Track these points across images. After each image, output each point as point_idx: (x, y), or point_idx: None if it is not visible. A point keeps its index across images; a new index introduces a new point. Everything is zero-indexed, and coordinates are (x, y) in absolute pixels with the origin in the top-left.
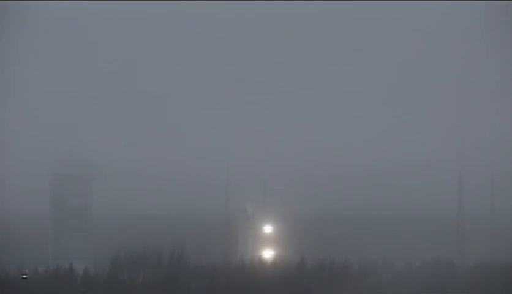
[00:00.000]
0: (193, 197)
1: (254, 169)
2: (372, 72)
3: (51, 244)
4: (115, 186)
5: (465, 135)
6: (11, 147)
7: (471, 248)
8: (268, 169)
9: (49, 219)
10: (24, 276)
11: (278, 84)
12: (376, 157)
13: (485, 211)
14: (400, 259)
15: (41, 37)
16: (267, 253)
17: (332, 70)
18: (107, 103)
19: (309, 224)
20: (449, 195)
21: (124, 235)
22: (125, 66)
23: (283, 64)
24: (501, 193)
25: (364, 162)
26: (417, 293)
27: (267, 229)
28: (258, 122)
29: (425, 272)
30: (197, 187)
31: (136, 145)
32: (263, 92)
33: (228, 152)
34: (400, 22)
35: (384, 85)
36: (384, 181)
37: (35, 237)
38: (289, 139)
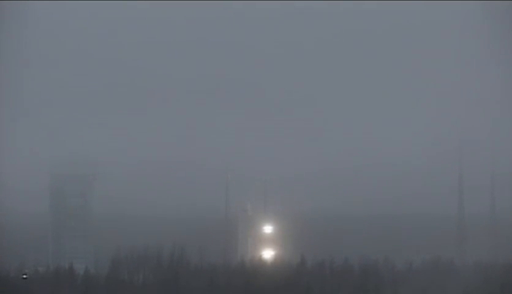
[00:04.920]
0: (193, 197)
1: (254, 169)
2: (371, 72)
3: (51, 244)
4: (115, 186)
5: (465, 135)
6: (11, 147)
7: (471, 248)
8: (268, 169)
9: (49, 219)
10: (24, 276)
11: (278, 85)
12: (377, 156)
13: (485, 211)
14: (400, 258)
15: (39, 36)
16: (267, 253)
17: (331, 71)
18: (107, 103)
19: (309, 224)
20: (449, 194)
21: (124, 235)
22: (125, 66)
23: (284, 65)
24: (501, 192)
25: (364, 162)
26: (417, 293)
27: (267, 229)
28: (259, 122)
29: (425, 272)
30: (197, 187)
31: (136, 145)
32: (263, 92)
33: (228, 152)
34: (401, 23)
35: (384, 85)
36: (385, 180)
37: (35, 237)
38: (289, 139)
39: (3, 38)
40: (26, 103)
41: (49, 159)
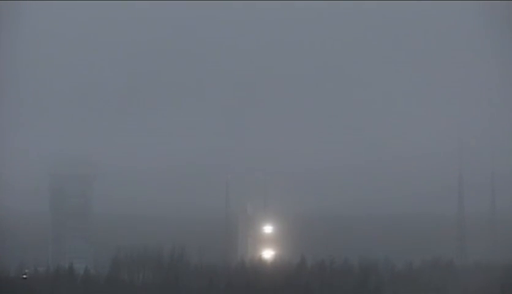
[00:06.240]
0: (194, 197)
1: (254, 169)
2: (371, 72)
3: (51, 243)
4: (115, 186)
5: (465, 134)
6: (11, 147)
7: (471, 248)
8: (268, 169)
9: (49, 219)
10: (24, 276)
11: (277, 85)
12: (376, 156)
13: (485, 211)
14: (400, 258)
15: (39, 36)
16: (267, 253)
17: (330, 70)
18: (107, 103)
19: (309, 224)
20: (449, 194)
21: (124, 235)
22: (125, 66)
23: (283, 65)
24: (501, 192)
25: (364, 161)
26: (417, 293)
27: (267, 229)
28: (259, 122)
29: (425, 272)
30: (197, 187)
31: (136, 145)
32: (263, 92)
33: (228, 152)
34: (401, 23)
35: (384, 83)
36: (385, 180)
37: (35, 237)
38: (289, 139)
39: (2, 38)
40: (25, 103)
41: (49, 159)
